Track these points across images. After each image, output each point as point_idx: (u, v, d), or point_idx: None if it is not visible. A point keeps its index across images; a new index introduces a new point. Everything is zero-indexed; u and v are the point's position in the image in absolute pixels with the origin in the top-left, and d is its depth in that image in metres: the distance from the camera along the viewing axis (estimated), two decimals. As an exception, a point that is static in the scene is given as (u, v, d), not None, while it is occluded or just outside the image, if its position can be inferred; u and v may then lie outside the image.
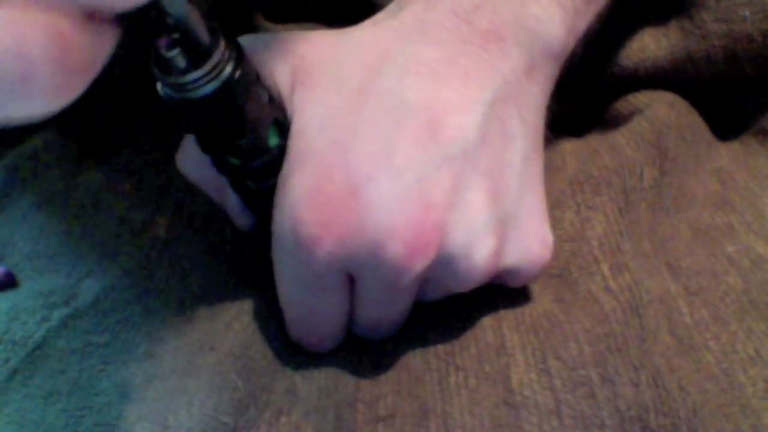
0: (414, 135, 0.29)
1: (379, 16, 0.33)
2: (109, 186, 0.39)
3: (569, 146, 0.41)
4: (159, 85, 0.28)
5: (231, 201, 0.33)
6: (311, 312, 0.31)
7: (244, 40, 0.29)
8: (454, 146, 0.29)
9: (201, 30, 0.27)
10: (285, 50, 0.31)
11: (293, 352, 0.33)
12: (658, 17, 0.41)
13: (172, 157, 0.40)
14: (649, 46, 0.41)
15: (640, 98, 0.41)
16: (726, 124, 0.43)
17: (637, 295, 0.32)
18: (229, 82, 0.27)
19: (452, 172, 0.29)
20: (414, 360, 0.32)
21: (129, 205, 0.38)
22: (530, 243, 0.32)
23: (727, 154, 0.41)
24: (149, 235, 0.37)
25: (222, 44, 0.27)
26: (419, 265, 0.29)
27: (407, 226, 0.28)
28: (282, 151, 0.30)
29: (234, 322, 0.34)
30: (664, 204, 0.37)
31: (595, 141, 0.40)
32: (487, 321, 0.32)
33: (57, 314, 0.33)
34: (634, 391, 0.29)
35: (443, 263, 0.29)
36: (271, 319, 0.34)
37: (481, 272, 0.30)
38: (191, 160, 0.33)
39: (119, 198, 0.39)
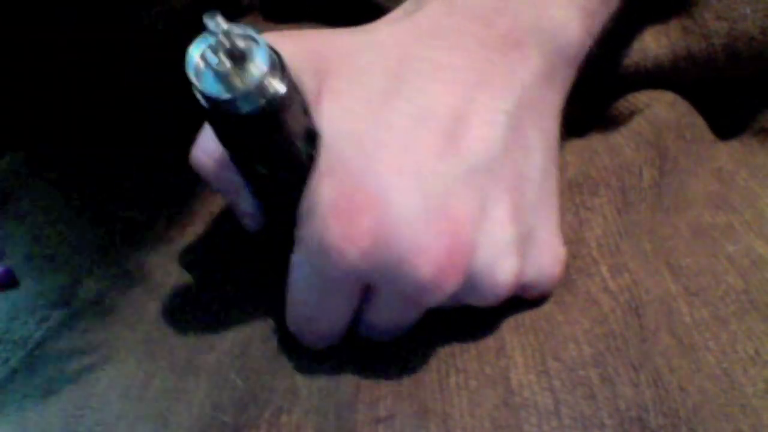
0: (437, 146, 0.29)
1: (397, 15, 0.33)
2: (109, 186, 0.39)
3: (570, 147, 0.41)
4: (199, 96, 0.27)
5: (244, 201, 0.33)
6: (319, 313, 0.31)
7: (268, 37, 0.29)
8: (477, 159, 0.29)
9: (246, 45, 0.26)
10: (309, 51, 0.31)
11: (293, 352, 0.33)
12: (659, 16, 0.41)
13: (171, 157, 0.40)
14: (650, 45, 0.41)
15: (641, 98, 0.41)
16: (726, 124, 0.43)
17: (637, 296, 0.32)
18: (274, 99, 0.27)
19: (477, 188, 0.29)
20: (414, 361, 0.32)
21: (129, 205, 0.38)
22: (545, 259, 0.32)
23: (727, 153, 0.41)
24: (149, 235, 0.37)
25: (268, 60, 0.26)
26: (449, 286, 0.29)
27: (438, 246, 0.28)
28: (310, 159, 0.30)
29: (233, 321, 0.34)
30: (663, 204, 0.37)
31: (594, 141, 0.40)
32: (486, 324, 0.32)
33: (57, 314, 0.33)
34: (634, 391, 0.29)
35: (467, 281, 0.30)
36: (270, 318, 0.34)
37: (504, 290, 0.31)
38: (208, 157, 0.32)
39: (119, 198, 0.39)
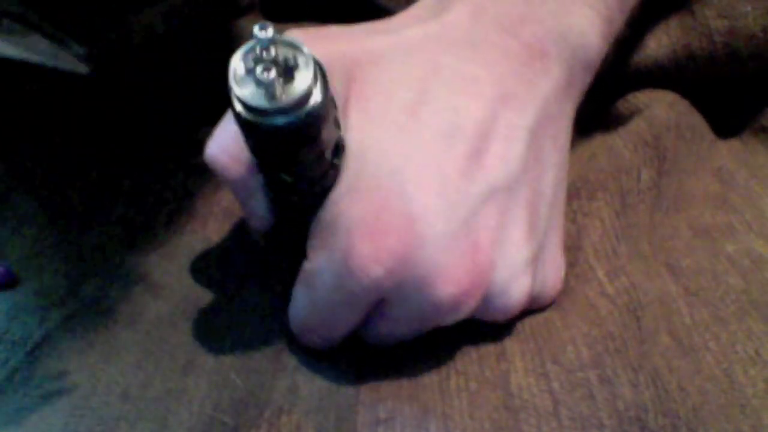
0: (462, 164, 0.29)
1: (423, 13, 0.33)
2: (109, 185, 0.39)
3: (570, 148, 0.41)
4: (236, 103, 0.26)
5: (257, 202, 0.32)
6: (327, 321, 0.31)
7: (295, 34, 0.29)
8: (498, 178, 0.30)
9: (292, 56, 0.26)
10: (340, 55, 0.31)
11: (294, 352, 0.33)
12: (659, 14, 0.41)
13: (171, 157, 0.40)
14: (650, 44, 0.41)
15: (641, 98, 0.41)
16: (727, 123, 0.43)
17: (635, 298, 0.32)
18: (313, 113, 0.26)
19: (497, 207, 0.30)
20: (415, 364, 0.32)
21: (128, 205, 0.38)
22: (549, 273, 0.33)
23: (727, 153, 0.41)
24: (148, 235, 0.37)
25: (314, 73, 0.26)
26: (467, 307, 0.29)
27: (459, 267, 0.29)
28: (335, 170, 0.29)
29: (233, 321, 0.34)
30: (663, 205, 0.37)
31: (593, 143, 0.40)
32: (487, 329, 0.32)
33: (56, 314, 0.33)
34: (633, 391, 0.29)
35: (482, 300, 0.30)
36: (271, 318, 0.34)
37: (515, 309, 0.31)
38: (225, 154, 0.31)
39: (118, 197, 0.39)
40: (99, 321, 0.33)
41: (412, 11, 0.33)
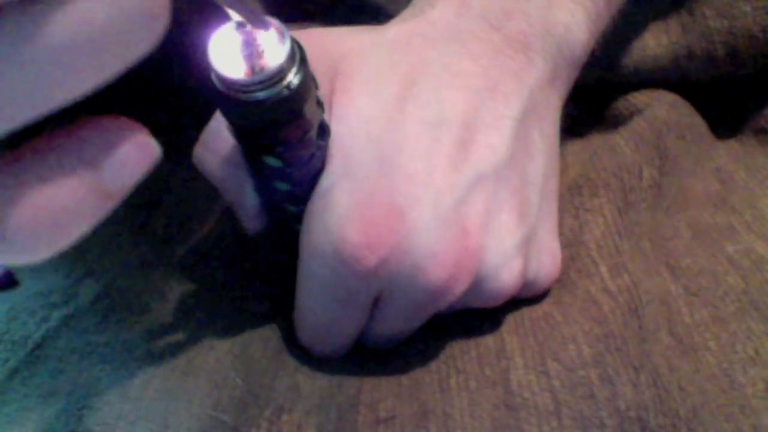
0: (449, 154, 0.29)
1: (409, 13, 0.33)
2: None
3: (570, 147, 0.41)
4: (216, 81, 0.27)
5: (248, 202, 0.32)
6: (332, 324, 0.31)
7: None
8: (486, 165, 0.30)
9: (270, 32, 0.26)
10: (322, 50, 0.31)
11: (294, 352, 0.33)
12: (659, 14, 0.41)
13: (170, 156, 0.40)
14: (650, 43, 0.41)
15: (640, 98, 0.41)
16: (726, 123, 0.43)
17: (636, 296, 0.32)
18: (293, 88, 0.26)
19: (485, 194, 0.30)
20: (414, 363, 0.32)
21: (127, 204, 0.38)
22: (545, 259, 0.33)
23: (726, 153, 0.41)
24: (147, 234, 0.37)
25: (291, 49, 0.26)
26: (458, 290, 0.29)
27: (448, 252, 0.29)
28: (321, 151, 0.30)
29: (233, 321, 0.34)
30: (663, 204, 0.38)
31: (594, 142, 0.40)
32: (486, 325, 0.32)
33: (57, 314, 0.33)
34: (634, 391, 0.29)
35: (473, 284, 0.30)
36: (271, 318, 0.34)
37: (507, 292, 0.31)
38: (213, 155, 0.31)
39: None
40: (99, 321, 0.33)
41: (400, 15, 0.33)
